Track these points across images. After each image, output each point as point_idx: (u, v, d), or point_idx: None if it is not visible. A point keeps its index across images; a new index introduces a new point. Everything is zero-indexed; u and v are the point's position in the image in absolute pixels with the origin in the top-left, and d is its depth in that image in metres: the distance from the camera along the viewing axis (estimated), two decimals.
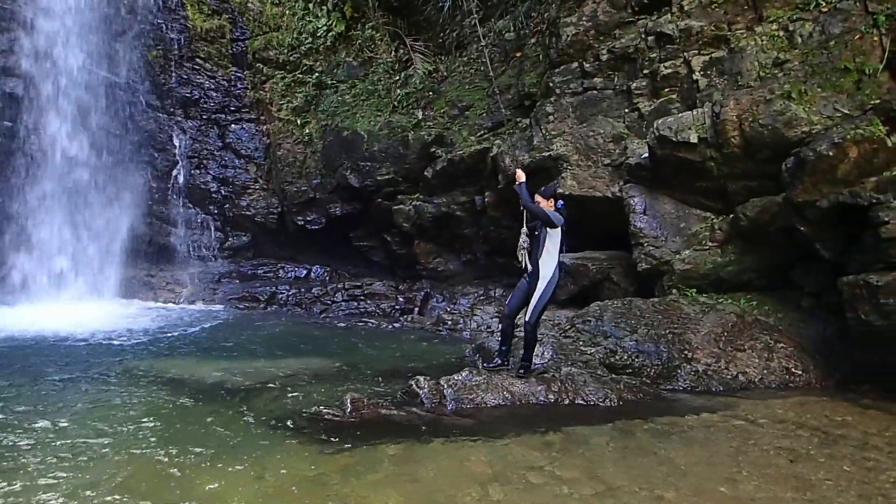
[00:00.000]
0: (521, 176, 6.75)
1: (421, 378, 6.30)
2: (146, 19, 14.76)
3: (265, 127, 15.26)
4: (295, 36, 15.26)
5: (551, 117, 10.77)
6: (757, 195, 7.98)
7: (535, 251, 6.52)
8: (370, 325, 11.83)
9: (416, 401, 6.07)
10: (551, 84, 10.93)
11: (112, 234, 13.94)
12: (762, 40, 8.78)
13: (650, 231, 8.85)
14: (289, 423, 5.73)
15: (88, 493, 4.18)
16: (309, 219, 14.73)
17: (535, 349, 6.88)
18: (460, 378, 6.23)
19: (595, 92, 10.50)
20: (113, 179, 14.10)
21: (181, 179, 14.73)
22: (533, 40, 12.60)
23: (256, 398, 6.62)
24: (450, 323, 11.30)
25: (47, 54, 13.75)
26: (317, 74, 15.04)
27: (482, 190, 12.48)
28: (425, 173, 13.07)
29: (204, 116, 15.04)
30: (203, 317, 12.31)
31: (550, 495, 4.27)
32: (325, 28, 15.04)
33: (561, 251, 6.52)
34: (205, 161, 14.95)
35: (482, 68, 13.53)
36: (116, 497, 4.13)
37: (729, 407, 6.10)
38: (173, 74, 15.00)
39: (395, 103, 13.97)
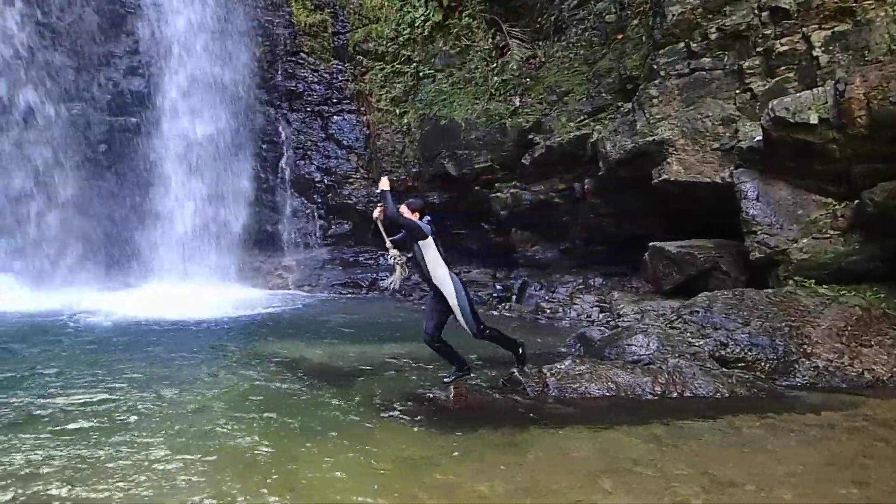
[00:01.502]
0: (384, 184, 6.27)
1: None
2: (255, 17, 15.46)
3: (365, 118, 15.65)
4: (394, 27, 15.51)
5: (655, 100, 10.40)
6: (885, 179, 7.38)
7: (420, 271, 6.15)
8: None
9: (518, 388, 6.08)
10: (655, 66, 10.55)
11: (226, 222, 14.77)
12: (893, 11, 8.09)
13: (764, 218, 8.39)
14: (393, 406, 5.88)
15: (204, 469, 4.43)
16: None
17: (638, 339, 6.76)
18: (563, 367, 6.18)
19: (703, 73, 10.04)
20: (226, 170, 14.93)
21: (287, 170, 15.40)
22: (635, 21, 12.17)
23: (362, 380, 6.84)
24: (548, 311, 11.20)
25: (167, 53, 14.68)
26: (415, 64, 15.22)
27: (581, 177, 12.25)
28: (522, 160, 12.98)
29: (308, 109, 15.61)
30: (309, 302, 12.84)
31: (659, 488, 4.16)
32: (422, 18, 15.18)
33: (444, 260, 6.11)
34: (309, 152, 15.53)
35: (581, 52, 13.25)
36: (233, 474, 4.36)
37: (853, 406, 5.71)
38: (279, 69, 15.66)
39: (493, 91, 13.93)
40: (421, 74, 15.09)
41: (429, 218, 6.35)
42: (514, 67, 13.68)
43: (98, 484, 4.12)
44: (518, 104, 13.44)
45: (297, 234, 15.42)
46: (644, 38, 11.59)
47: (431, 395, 5.99)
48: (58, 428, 5.14)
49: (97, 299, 12.11)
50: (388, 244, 6.23)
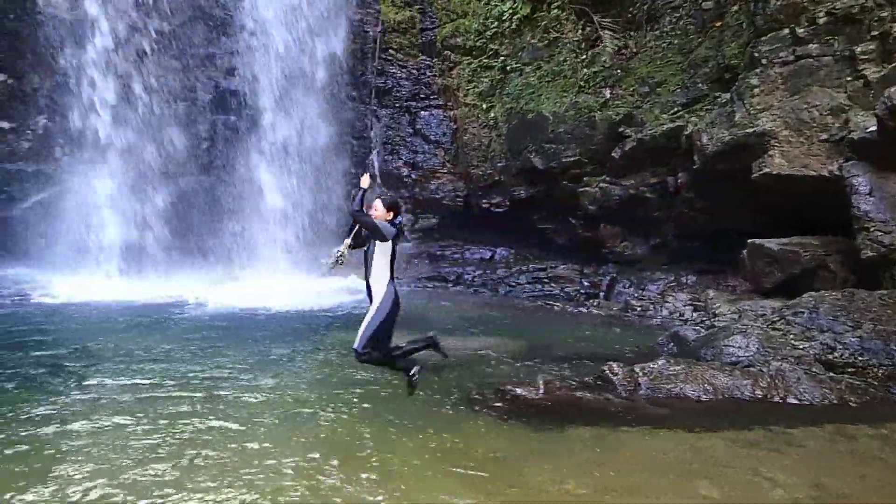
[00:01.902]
0: (364, 182, 6.13)
1: (614, 364, 6.17)
2: (345, 16, 15.84)
3: (452, 112, 15.73)
4: (481, 21, 15.51)
5: (756, 90, 9.92)
6: None
7: (366, 269, 5.92)
8: (555, 308, 11.80)
9: (608, 386, 5.96)
10: (756, 54, 10.06)
11: (321, 216, 15.24)
12: None
13: (877, 214, 7.84)
14: (483, 401, 5.87)
15: (289, 458, 4.55)
16: (493, 202, 14.98)
17: (736, 340, 6.49)
18: (656, 366, 6.01)
19: (810, 60, 9.48)
20: (321, 166, 15.41)
21: (376, 165, 15.71)
22: (735, 7, 11.66)
23: (451, 373, 6.88)
24: (638, 309, 10.91)
25: (262, 54, 15.28)
26: (502, 58, 15.17)
27: (673, 170, 11.87)
28: (612, 154, 12.71)
29: (396, 105, 15.87)
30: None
31: (762, 496, 3.99)
32: (510, 11, 15.12)
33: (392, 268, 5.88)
34: (397, 147, 15.78)
35: (676, 42, 12.80)
36: (331, 465, 4.47)
37: None
38: (369, 66, 15.98)
39: (581, 83, 13.69)
40: (508, 68, 15.02)
41: (401, 219, 6.25)
42: (606, 59, 13.37)
43: (205, 473, 4.30)
44: (608, 96, 13.16)
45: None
46: (744, 24, 11.09)
47: (520, 391, 5.97)
48: (165, 417, 5.34)
49: (202, 291, 12.70)
50: (349, 242, 6.09)
